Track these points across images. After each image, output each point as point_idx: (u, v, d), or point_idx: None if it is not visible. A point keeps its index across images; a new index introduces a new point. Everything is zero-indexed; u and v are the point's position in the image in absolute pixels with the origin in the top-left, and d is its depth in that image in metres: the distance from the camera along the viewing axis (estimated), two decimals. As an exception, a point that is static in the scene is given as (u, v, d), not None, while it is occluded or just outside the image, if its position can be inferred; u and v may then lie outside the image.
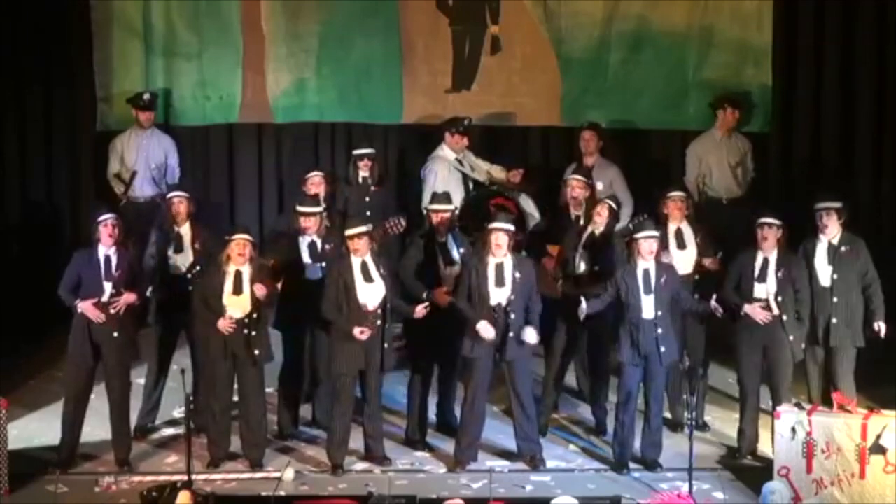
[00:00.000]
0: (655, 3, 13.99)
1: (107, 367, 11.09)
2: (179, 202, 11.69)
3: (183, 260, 11.63)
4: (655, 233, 11.01)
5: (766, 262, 11.07)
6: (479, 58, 14.22)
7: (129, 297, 11.02)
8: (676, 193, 11.68)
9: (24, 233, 14.29)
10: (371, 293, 10.99)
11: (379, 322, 11.03)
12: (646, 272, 10.95)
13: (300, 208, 11.62)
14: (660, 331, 10.93)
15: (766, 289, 11.05)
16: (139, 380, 11.75)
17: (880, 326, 11.32)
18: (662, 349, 10.93)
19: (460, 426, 11.25)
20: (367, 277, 10.99)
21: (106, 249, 11.02)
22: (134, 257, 11.27)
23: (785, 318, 11.04)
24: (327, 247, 11.53)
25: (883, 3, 13.69)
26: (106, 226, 11.00)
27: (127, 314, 11.09)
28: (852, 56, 13.84)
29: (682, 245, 11.59)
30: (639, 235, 10.97)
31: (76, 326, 11.04)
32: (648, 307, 10.93)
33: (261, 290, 10.95)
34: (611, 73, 14.14)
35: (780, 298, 11.04)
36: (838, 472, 10.29)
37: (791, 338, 11.06)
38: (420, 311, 11.14)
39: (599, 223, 11.54)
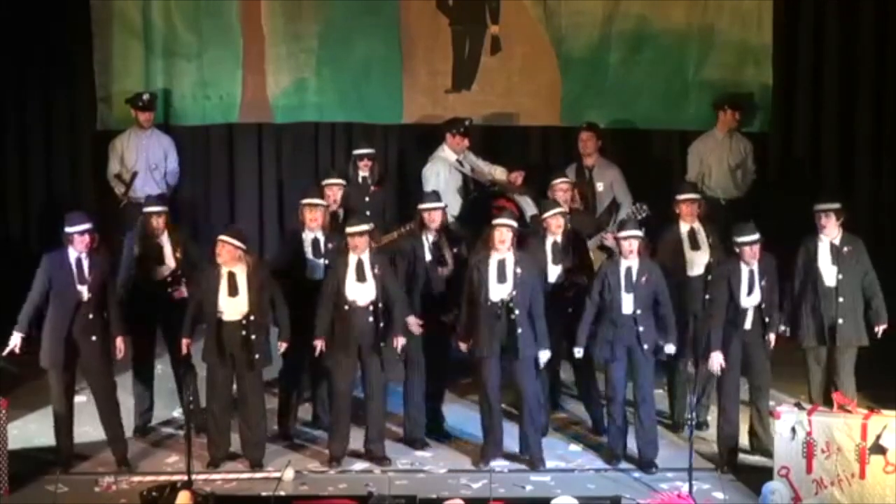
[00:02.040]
0: (655, 2, 13.98)
1: (88, 370, 11.06)
2: (158, 216, 11.68)
3: (163, 270, 11.64)
4: (637, 233, 11.00)
5: (752, 274, 10.99)
6: (479, 58, 14.21)
7: (122, 346, 11.14)
8: (688, 196, 11.69)
9: (23, 233, 14.30)
10: (361, 292, 11.00)
11: (371, 319, 11.03)
12: (628, 269, 10.98)
13: (305, 200, 11.63)
14: (640, 328, 10.95)
15: (752, 301, 11.00)
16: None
17: (881, 329, 11.36)
18: (645, 346, 10.95)
19: (484, 428, 11.17)
20: (361, 276, 11.00)
21: (78, 253, 10.93)
22: (107, 262, 11.16)
23: (767, 319, 11.04)
24: (330, 245, 11.55)
25: (883, 3, 13.69)
26: (82, 235, 10.88)
27: (102, 319, 11.02)
28: (852, 56, 13.84)
29: (695, 246, 11.59)
30: (620, 235, 11.04)
31: (50, 329, 10.96)
32: (627, 304, 10.95)
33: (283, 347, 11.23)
34: (611, 73, 14.13)
35: (763, 305, 11.02)
36: (838, 472, 10.28)
37: (771, 336, 11.07)
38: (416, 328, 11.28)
39: (557, 232, 11.49)
